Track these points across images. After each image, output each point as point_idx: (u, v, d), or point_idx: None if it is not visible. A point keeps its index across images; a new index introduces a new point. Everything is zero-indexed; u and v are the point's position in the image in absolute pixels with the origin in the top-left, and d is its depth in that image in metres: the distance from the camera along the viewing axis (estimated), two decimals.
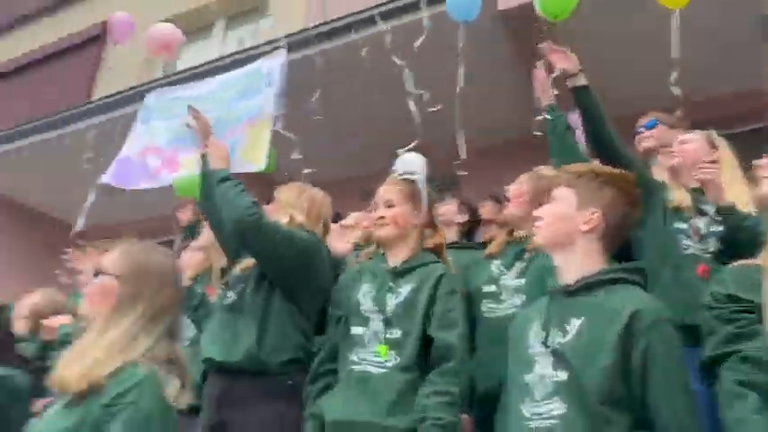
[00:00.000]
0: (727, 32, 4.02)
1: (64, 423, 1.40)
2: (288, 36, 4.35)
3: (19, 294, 3.63)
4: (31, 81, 8.75)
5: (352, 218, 3.07)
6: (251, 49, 5.02)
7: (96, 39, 8.40)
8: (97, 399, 1.39)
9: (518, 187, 2.52)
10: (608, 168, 1.86)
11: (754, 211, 2.21)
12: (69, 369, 1.43)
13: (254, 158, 3.68)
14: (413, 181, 2.25)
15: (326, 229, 2.57)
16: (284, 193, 2.60)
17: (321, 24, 4.35)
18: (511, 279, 2.37)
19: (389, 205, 2.20)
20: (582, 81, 2.45)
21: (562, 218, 1.71)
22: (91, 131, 5.21)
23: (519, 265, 2.39)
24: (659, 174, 2.63)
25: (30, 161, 5.93)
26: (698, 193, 2.46)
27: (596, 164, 2.10)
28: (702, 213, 2.40)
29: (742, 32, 3.99)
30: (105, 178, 4.14)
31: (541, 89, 2.61)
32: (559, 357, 1.57)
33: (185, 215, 4.69)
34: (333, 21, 4.28)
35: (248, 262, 2.39)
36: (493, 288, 2.38)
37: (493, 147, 4.82)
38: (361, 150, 5.11)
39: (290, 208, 2.50)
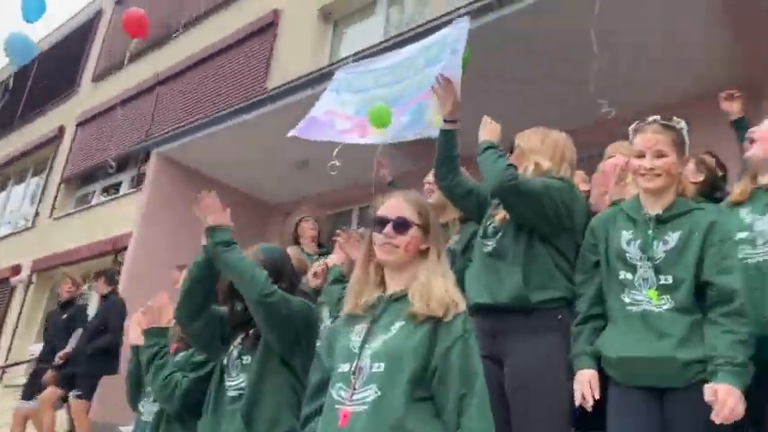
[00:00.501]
0: None
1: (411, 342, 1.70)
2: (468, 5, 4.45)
3: None
4: (210, 73, 9.67)
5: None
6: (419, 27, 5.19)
7: (270, 26, 9.04)
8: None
9: (765, 129, 2.42)
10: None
11: None
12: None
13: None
14: (680, 129, 2.23)
15: (572, 171, 2.60)
16: (526, 141, 2.60)
17: None
18: (766, 224, 2.32)
19: (661, 155, 2.18)
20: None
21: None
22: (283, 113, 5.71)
23: None
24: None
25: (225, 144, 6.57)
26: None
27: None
28: None
29: None
30: (293, 132, 4.57)
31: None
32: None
33: None
34: None
35: (503, 213, 2.51)
36: (746, 234, 2.34)
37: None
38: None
39: (533, 155, 2.53)
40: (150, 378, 2.66)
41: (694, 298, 2.05)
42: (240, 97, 8.84)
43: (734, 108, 3.31)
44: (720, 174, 3.20)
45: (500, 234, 2.49)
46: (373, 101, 4.57)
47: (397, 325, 1.75)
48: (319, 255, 4.33)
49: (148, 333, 2.74)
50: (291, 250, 3.18)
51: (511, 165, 2.40)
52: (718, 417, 1.83)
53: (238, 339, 2.44)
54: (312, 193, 7.22)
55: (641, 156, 2.22)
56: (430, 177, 3.34)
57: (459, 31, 4.28)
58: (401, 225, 1.83)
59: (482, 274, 2.48)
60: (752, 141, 2.46)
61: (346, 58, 5.42)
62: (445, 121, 2.76)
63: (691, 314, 2.04)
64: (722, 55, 4.38)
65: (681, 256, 2.08)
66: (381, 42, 5.79)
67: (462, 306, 1.78)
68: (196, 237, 2.54)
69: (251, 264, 2.29)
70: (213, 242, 2.33)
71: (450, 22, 4.40)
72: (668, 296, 2.05)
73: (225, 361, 2.42)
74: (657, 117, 2.27)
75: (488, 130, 2.59)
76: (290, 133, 4.54)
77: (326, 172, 6.50)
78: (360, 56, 5.28)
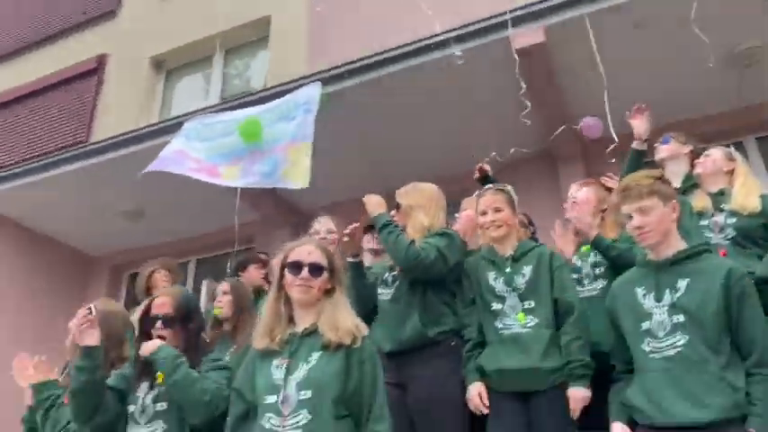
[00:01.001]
0: None
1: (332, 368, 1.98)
2: (320, 72, 4.81)
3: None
4: (25, 114, 8.93)
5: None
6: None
7: (94, 71, 8.66)
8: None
9: (586, 195, 3.01)
10: (655, 171, 2.39)
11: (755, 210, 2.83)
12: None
13: (298, 177, 4.16)
14: (509, 191, 2.87)
15: (445, 215, 3.03)
16: (406, 198, 2.99)
17: (348, 63, 4.83)
18: (587, 267, 3.00)
19: (498, 210, 2.77)
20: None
21: (661, 220, 2.21)
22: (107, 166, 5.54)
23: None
24: (672, 179, 3.20)
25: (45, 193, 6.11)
26: (717, 195, 3.01)
27: (647, 171, 2.52)
28: (721, 210, 2.94)
29: None
30: (147, 168, 4.51)
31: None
32: (676, 307, 2.13)
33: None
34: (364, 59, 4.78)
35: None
36: (575, 275, 2.96)
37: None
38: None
39: (414, 211, 2.94)
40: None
41: (553, 315, 2.61)
42: (58, 143, 8.31)
43: (641, 128, 3.36)
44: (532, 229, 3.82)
45: (397, 283, 2.89)
46: (222, 148, 4.70)
47: (315, 356, 2.01)
48: None
49: (40, 387, 2.82)
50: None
51: (411, 242, 2.77)
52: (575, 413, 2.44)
53: (146, 384, 2.45)
54: (142, 245, 6.93)
55: (485, 213, 2.79)
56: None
57: (311, 91, 4.62)
58: (316, 269, 2.11)
59: (385, 321, 2.86)
60: (573, 204, 3.08)
61: (180, 117, 5.41)
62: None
63: (549, 329, 2.59)
64: (525, 126, 5.19)
65: (536, 283, 2.66)
66: (218, 105, 5.90)
67: (366, 331, 2.09)
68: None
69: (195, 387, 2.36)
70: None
71: (296, 88, 4.72)
72: (532, 316, 2.60)
73: (130, 408, 2.41)
74: (492, 185, 2.94)
75: (374, 204, 2.92)
76: (142, 172, 4.47)
77: (158, 224, 6.37)
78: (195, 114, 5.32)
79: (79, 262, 7.09)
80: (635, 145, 3.33)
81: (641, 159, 3.33)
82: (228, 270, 5.07)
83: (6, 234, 6.50)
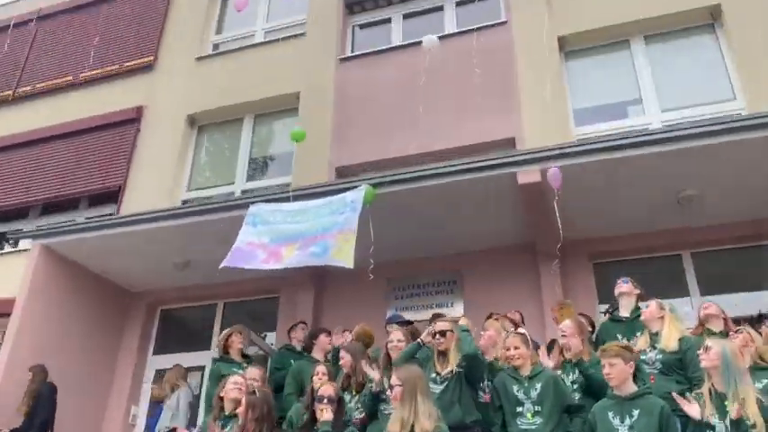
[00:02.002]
0: None
1: None
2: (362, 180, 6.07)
3: None
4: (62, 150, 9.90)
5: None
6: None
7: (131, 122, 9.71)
8: None
9: (572, 330, 4.34)
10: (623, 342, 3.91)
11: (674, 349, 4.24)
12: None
13: (344, 258, 5.39)
14: (525, 333, 4.22)
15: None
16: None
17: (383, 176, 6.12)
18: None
19: (517, 348, 4.10)
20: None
21: (621, 371, 3.61)
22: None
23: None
24: (623, 311, 4.77)
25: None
26: (654, 335, 4.40)
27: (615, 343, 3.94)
28: (654, 348, 4.31)
29: None
30: (224, 263, 5.66)
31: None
32: (633, 428, 3.52)
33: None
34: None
35: (450, 367, 4.17)
36: None
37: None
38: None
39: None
40: None
41: (554, 415, 3.93)
42: (89, 186, 9.32)
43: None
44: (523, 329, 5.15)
45: (446, 383, 4.18)
46: (284, 231, 5.92)
47: None
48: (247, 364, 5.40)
49: None
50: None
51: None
52: None
53: None
54: (177, 285, 8.00)
55: (509, 349, 4.13)
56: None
57: (357, 193, 5.89)
58: None
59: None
60: (563, 336, 4.40)
61: (244, 198, 6.56)
62: None
63: (549, 425, 3.91)
64: (519, 229, 6.56)
65: (544, 395, 3.98)
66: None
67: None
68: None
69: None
70: None
71: (350, 189, 5.97)
72: (539, 416, 3.94)
73: None
74: (515, 329, 4.32)
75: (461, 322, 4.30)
76: (222, 264, 5.61)
77: (195, 269, 7.44)
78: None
79: (120, 296, 8.09)
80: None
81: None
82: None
83: (59, 268, 7.41)
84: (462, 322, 4.37)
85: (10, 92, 10.95)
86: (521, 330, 4.25)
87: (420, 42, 8.74)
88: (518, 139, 7.63)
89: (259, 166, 9.14)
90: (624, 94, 7.78)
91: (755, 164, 5.45)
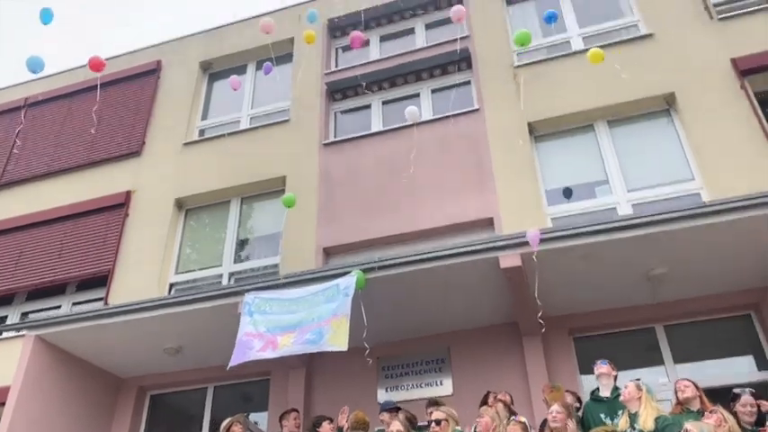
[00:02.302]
0: None
1: None
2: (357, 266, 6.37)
3: None
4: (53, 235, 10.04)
5: None
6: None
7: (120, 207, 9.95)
8: None
9: (562, 415, 4.60)
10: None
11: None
12: None
13: (339, 343, 5.63)
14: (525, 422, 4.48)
15: None
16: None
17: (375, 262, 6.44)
18: None
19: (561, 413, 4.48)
20: None
21: None
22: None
23: None
24: (603, 390, 5.11)
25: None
26: (633, 415, 4.69)
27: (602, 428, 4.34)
28: (633, 428, 4.59)
29: None
30: (232, 363, 5.85)
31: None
32: None
33: None
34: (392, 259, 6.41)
35: None
36: None
37: None
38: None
39: None
40: None
41: None
42: (81, 270, 9.43)
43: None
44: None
45: None
46: (280, 322, 6.16)
47: None
48: None
49: None
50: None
51: None
52: None
53: None
54: (167, 370, 8.06)
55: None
56: None
57: (349, 279, 6.19)
58: None
59: None
60: (553, 416, 4.67)
61: (251, 284, 6.78)
62: None
63: None
64: (503, 309, 6.89)
65: None
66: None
67: None
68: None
69: None
70: None
71: (341, 275, 6.26)
72: None
73: None
74: (515, 416, 4.61)
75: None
76: (230, 365, 5.84)
77: (185, 355, 7.55)
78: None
79: (110, 382, 8.11)
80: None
81: None
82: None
83: (51, 357, 7.45)
84: (444, 414, 4.59)
85: None
86: (521, 419, 4.49)
87: (399, 128, 9.35)
88: (496, 219, 8.07)
89: (246, 248, 9.39)
90: (592, 175, 8.32)
91: (718, 245, 5.91)
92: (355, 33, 7.83)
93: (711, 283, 6.53)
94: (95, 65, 7.19)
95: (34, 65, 6.33)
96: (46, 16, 6.53)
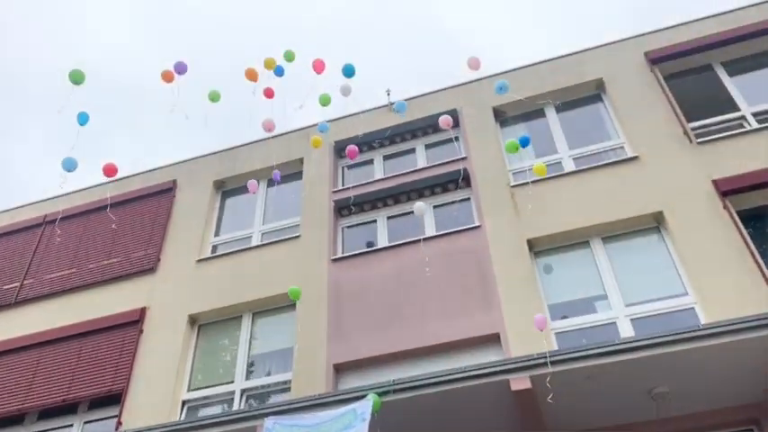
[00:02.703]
0: None
1: None
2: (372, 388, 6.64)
3: None
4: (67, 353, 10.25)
5: None
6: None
7: (135, 323, 10.23)
8: None
9: None
10: None
11: None
12: None
13: None
14: None
15: None
16: None
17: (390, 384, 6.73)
18: None
19: None
20: None
21: None
22: None
23: None
24: None
25: None
26: None
27: None
28: None
29: None
30: None
31: None
32: None
33: None
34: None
35: None
36: None
37: None
38: None
39: None
40: None
41: None
42: (99, 387, 9.59)
43: None
44: None
45: None
46: None
47: None
48: None
49: None
50: None
51: None
52: None
53: None
54: None
55: None
56: None
57: (365, 404, 6.43)
58: None
59: None
60: None
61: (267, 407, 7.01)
62: None
63: None
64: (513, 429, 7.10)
65: None
66: None
67: None
68: None
69: None
70: None
71: (357, 399, 6.52)
72: None
73: None
74: None
75: None
76: None
77: None
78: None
79: None
80: None
81: None
82: None
83: None
84: None
85: (13, 296, 11.44)
86: None
87: (404, 244, 9.85)
88: (502, 334, 8.40)
89: (258, 364, 9.61)
90: (591, 290, 8.75)
91: (717, 364, 6.27)
92: (351, 147, 9.06)
93: (713, 398, 6.80)
94: (109, 170, 7.92)
95: (69, 165, 7.63)
96: (83, 117, 7.74)
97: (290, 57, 9.10)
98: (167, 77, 8.43)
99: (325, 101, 9.10)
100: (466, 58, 8.60)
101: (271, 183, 11.98)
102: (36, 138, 42.98)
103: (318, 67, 9.03)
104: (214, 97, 8.70)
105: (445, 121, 8.71)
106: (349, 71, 9.07)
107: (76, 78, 7.53)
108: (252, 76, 8.86)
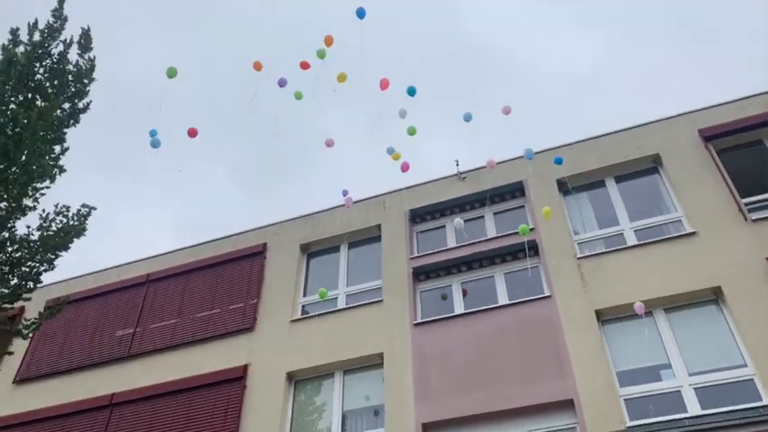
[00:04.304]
0: None
1: None
2: None
3: None
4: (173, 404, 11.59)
5: None
6: None
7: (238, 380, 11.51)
8: None
9: None
10: None
11: None
12: None
13: None
14: None
15: None
16: None
17: None
18: None
19: None
20: None
21: None
22: None
23: None
24: None
25: None
26: None
27: None
28: None
29: None
30: None
31: None
32: None
33: None
34: None
35: None
36: None
37: None
38: None
39: None
40: None
41: None
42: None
43: None
44: None
45: None
46: None
47: None
48: None
49: None
50: None
51: None
52: None
53: None
54: None
55: None
56: None
57: None
58: None
59: None
60: None
61: None
62: None
63: None
64: None
65: None
66: None
67: None
68: None
69: None
70: None
71: None
72: None
73: None
74: None
75: None
76: None
77: None
78: None
79: None
80: None
81: None
82: None
83: None
84: None
85: (125, 349, 12.90)
86: None
87: (480, 311, 10.91)
88: (575, 400, 9.36)
89: (350, 420, 10.75)
90: (656, 358, 9.65)
91: None
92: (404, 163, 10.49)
93: None
94: (192, 132, 9.86)
95: (155, 143, 9.49)
96: (154, 140, 9.46)
97: (321, 54, 10.23)
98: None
99: (412, 132, 10.38)
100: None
101: (352, 245, 13.25)
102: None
103: (384, 84, 10.21)
104: (171, 73, 9.88)
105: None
106: (412, 91, 10.40)
107: (171, 73, 9.40)
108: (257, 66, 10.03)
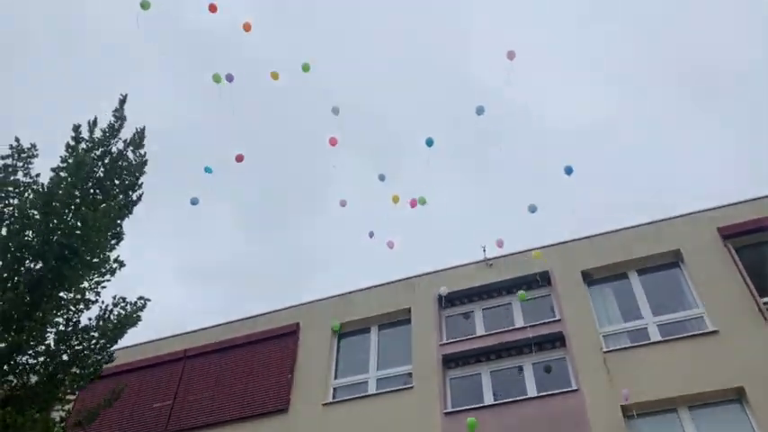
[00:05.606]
0: None
1: None
2: None
3: None
4: None
5: None
6: None
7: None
8: None
9: None
10: None
11: None
12: None
13: None
14: None
15: None
16: None
17: None
18: None
19: None
20: None
21: None
22: None
23: None
24: None
25: None
26: None
27: None
28: None
29: None
30: None
31: None
32: None
33: None
34: None
35: None
36: None
37: None
38: None
39: None
40: None
41: None
42: None
43: None
44: None
45: None
46: None
47: None
48: None
49: None
50: None
51: None
52: None
53: None
54: None
55: None
56: None
57: None
58: None
59: None
60: None
61: None
62: None
63: None
64: None
65: None
66: None
67: None
68: None
69: None
70: None
71: None
72: None
73: None
74: None
75: None
76: None
77: None
78: None
79: None
80: None
81: None
82: None
83: None
84: None
85: (163, 424, 13.33)
86: None
87: (510, 402, 11.31)
88: None
89: None
90: None
91: None
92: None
93: None
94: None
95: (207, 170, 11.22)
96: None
97: (306, 68, 11.81)
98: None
99: (422, 201, 12.13)
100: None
101: (382, 327, 13.77)
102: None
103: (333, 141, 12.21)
104: (144, 5, 10.72)
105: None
106: (430, 142, 12.00)
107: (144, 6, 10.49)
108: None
